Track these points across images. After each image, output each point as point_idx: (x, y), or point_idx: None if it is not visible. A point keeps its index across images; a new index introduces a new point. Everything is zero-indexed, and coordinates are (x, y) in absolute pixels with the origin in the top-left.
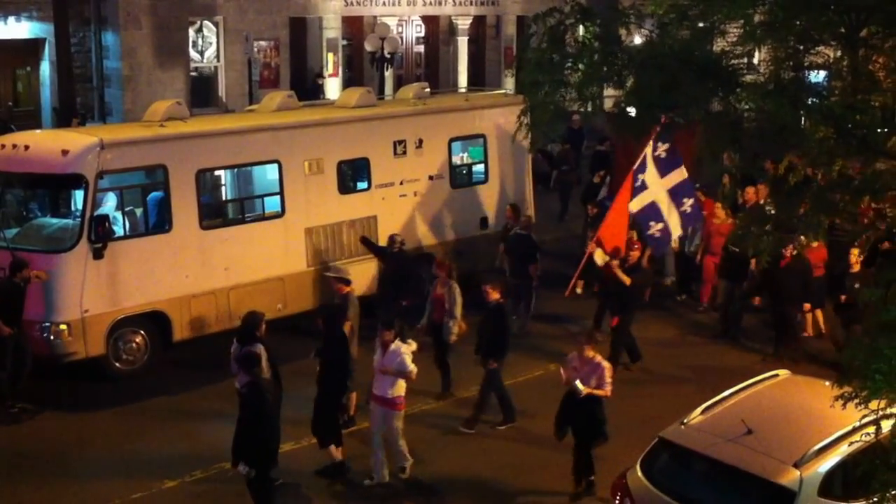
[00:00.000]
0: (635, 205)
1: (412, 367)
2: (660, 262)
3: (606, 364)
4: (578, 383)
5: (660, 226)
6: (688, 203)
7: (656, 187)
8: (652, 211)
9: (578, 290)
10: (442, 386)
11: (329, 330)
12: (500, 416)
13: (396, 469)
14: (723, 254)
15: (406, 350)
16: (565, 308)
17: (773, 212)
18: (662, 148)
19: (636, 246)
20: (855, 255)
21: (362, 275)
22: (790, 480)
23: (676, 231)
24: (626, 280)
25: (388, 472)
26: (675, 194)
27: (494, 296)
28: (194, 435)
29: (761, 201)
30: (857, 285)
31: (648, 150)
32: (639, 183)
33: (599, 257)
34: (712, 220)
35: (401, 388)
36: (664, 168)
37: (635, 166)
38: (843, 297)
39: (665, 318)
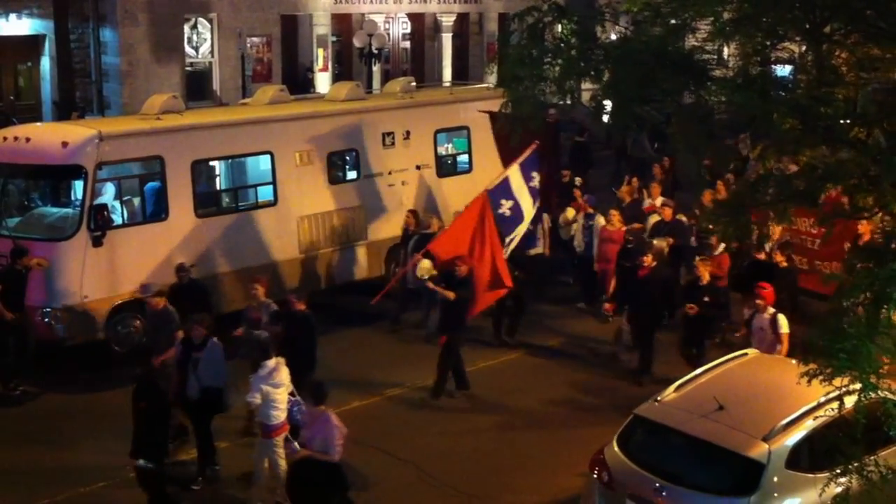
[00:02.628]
0: (513, 238)
1: (255, 400)
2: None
3: (339, 424)
4: (297, 444)
5: (538, 249)
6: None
7: (527, 220)
8: (529, 240)
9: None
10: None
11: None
12: None
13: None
14: (616, 266)
15: (268, 372)
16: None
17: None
18: (537, 179)
19: (464, 260)
20: (705, 268)
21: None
22: (759, 453)
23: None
24: (450, 295)
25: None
26: (534, 221)
27: (300, 307)
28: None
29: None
30: (706, 298)
31: (515, 174)
32: (506, 212)
33: (424, 270)
34: (606, 226)
35: (278, 414)
36: (535, 197)
37: (491, 187)
38: (690, 308)
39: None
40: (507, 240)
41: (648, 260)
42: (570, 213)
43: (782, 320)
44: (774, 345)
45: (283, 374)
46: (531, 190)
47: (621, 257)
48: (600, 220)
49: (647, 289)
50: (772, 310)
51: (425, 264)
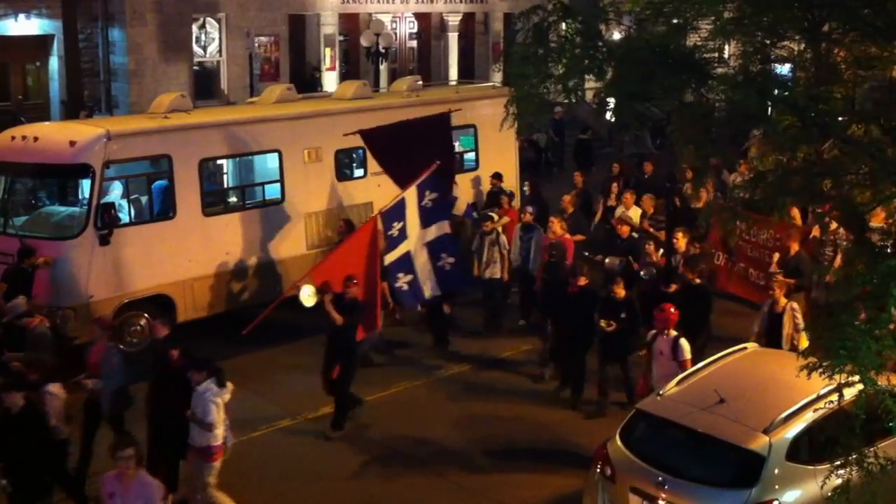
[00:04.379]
0: (389, 257)
1: (214, 419)
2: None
3: (157, 483)
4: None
5: (408, 278)
6: (447, 260)
7: (415, 238)
8: (405, 261)
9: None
10: None
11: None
12: None
13: None
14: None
15: (218, 396)
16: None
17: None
18: (430, 197)
19: (355, 281)
20: (620, 287)
21: None
22: (760, 446)
23: (428, 289)
24: (339, 319)
25: None
26: (434, 249)
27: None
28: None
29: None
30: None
31: (411, 195)
32: (395, 233)
33: (309, 297)
34: (548, 236)
35: (215, 435)
36: (428, 219)
37: (386, 209)
38: (608, 325)
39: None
40: (387, 258)
41: (583, 281)
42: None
43: (684, 345)
44: (675, 371)
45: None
46: (422, 210)
47: (544, 271)
48: (542, 231)
49: (578, 307)
50: (674, 333)
51: (308, 290)
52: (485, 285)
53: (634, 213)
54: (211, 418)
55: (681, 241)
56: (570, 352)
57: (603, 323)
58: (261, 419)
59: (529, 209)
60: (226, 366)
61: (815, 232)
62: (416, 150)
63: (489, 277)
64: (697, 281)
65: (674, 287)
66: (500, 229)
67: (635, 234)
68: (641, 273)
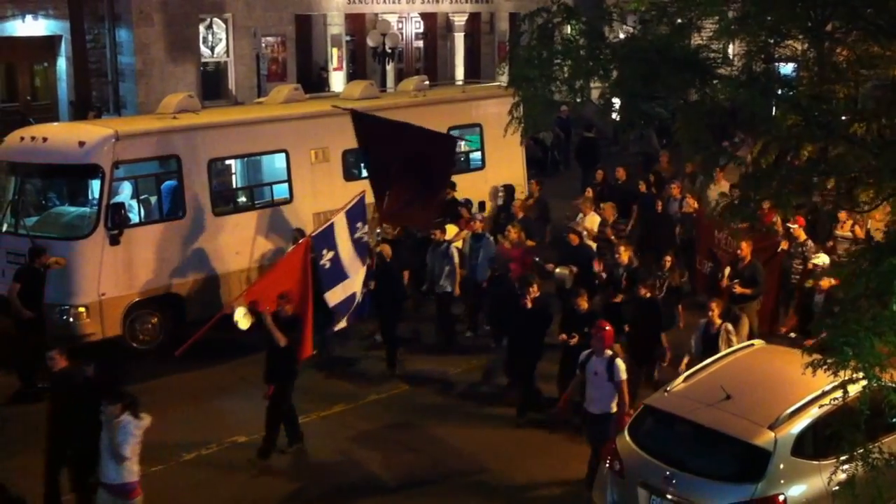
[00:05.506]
0: (333, 297)
1: (131, 452)
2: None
3: None
4: None
5: (343, 318)
6: (362, 291)
7: (359, 280)
8: (347, 305)
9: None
10: None
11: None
12: None
13: None
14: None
15: (137, 428)
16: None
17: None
18: (363, 230)
19: (289, 299)
20: (583, 298)
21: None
22: (766, 441)
23: (340, 323)
24: (282, 339)
25: None
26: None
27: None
28: (207, 409)
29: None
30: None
31: (340, 224)
32: (326, 263)
33: (244, 319)
34: (503, 242)
35: (132, 471)
36: (362, 254)
37: (316, 233)
38: (571, 338)
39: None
40: (326, 296)
41: (535, 292)
42: (451, 230)
43: (620, 365)
44: (611, 392)
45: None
46: (356, 244)
47: (490, 283)
48: (491, 240)
49: (531, 321)
50: (609, 352)
51: (241, 312)
52: (436, 300)
53: (593, 221)
54: (128, 452)
55: (623, 254)
56: (523, 366)
57: (565, 336)
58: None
59: (479, 217)
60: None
61: (784, 245)
62: (408, 159)
63: (440, 292)
64: (647, 295)
65: (620, 298)
66: (459, 244)
67: (591, 243)
68: (554, 276)
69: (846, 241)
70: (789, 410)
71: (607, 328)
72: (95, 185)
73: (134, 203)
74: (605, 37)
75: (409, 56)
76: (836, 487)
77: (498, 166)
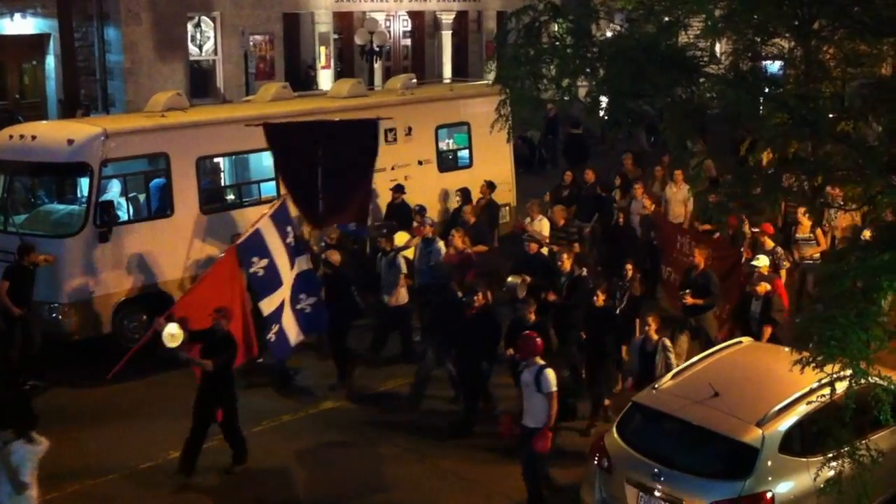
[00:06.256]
0: (267, 305)
1: (30, 479)
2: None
3: None
4: None
5: (276, 328)
6: (307, 301)
7: (288, 286)
8: (277, 313)
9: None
10: None
11: None
12: None
13: None
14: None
15: (34, 454)
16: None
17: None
18: (293, 234)
19: (224, 313)
20: (530, 308)
21: None
22: (753, 438)
23: (293, 336)
24: (209, 364)
25: None
26: (294, 290)
27: None
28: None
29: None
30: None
31: (267, 228)
32: (259, 271)
33: (170, 337)
34: (449, 251)
35: (31, 497)
36: (293, 258)
37: (241, 242)
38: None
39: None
40: (264, 304)
41: (480, 301)
42: (401, 238)
43: (549, 376)
44: (541, 404)
45: None
46: (288, 248)
47: (430, 292)
48: (440, 246)
49: (476, 331)
50: (540, 362)
51: (171, 329)
52: (386, 311)
53: (543, 226)
54: (27, 478)
55: (566, 261)
56: (466, 378)
57: (511, 350)
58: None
59: (430, 222)
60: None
61: (747, 254)
62: (330, 158)
63: (393, 305)
64: (601, 303)
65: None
66: (410, 252)
67: (543, 250)
68: (506, 286)
69: (806, 243)
70: (777, 407)
71: (536, 337)
72: (84, 182)
73: (122, 201)
74: (592, 35)
75: (397, 54)
76: (824, 484)
77: (486, 164)
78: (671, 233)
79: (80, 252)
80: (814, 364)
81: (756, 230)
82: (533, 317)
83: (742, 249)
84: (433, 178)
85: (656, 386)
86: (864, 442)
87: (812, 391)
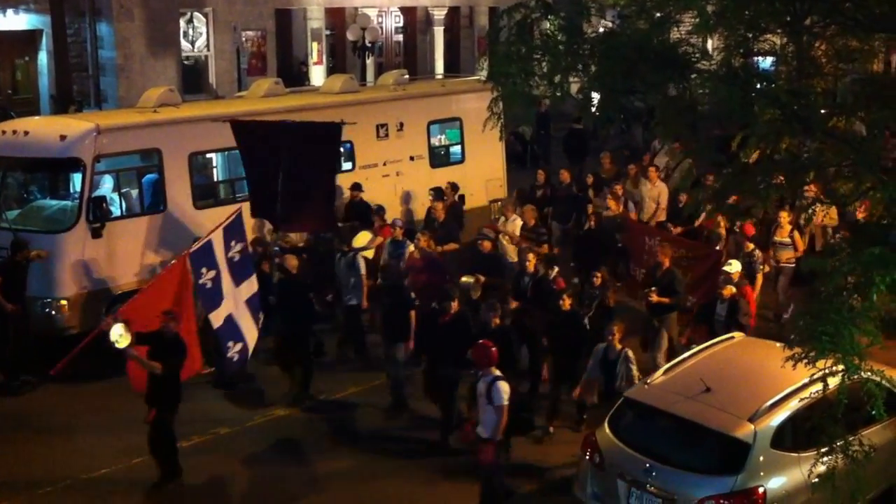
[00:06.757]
0: (216, 317)
1: None
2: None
3: None
4: None
5: (239, 346)
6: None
7: (234, 298)
8: (231, 328)
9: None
10: None
11: None
12: None
13: None
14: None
15: None
16: None
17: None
18: (236, 249)
19: (173, 316)
20: (496, 314)
21: None
22: (745, 434)
23: (250, 350)
24: (157, 367)
25: None
26: (254, 308)
27: None
28: (189, 402)
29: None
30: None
31: (218, 240)
32: (207, 283)
33: (121, 337)
34: (412, 252)
35: None
36: (239, 275)
37: (194, 250)
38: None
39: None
40: (211, 317)
41: (454, 306)
42: (363, 237)
43: (502, 388)
44: (492, 417)
45: None
46: (229, 263)
47: (382, 293)
48: (411, 247)
49: (450, 338)
50: (495, 372)
51: (119, 329)
52: (343, 313)
53: (516, 226)
54: None
55: (530, 262)
56: (439, 385)
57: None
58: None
59: (398, 223)
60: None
61: (727, 255)
62: (292, 157)
63: (348, 305)
64: (567, 306)
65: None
66: (370, 253)
67: (511, 248)
68: (459, 285)
69: (784, 247)
70: (769, 403)
71: (490, 347)
72: (77, 178)
73: (115, 196)
74: (584, 32)
75: (389, 50)
76: (816, 480)
77: (478, 160)
78: (639, 234)
79: (72, 248)
80: (806, 359)
81: (736, 231)
82: (497, 321)
83: (718, 249)
84: (425, 173)
85: (648, 381)
86: (856, 437)
87: (804, 386)
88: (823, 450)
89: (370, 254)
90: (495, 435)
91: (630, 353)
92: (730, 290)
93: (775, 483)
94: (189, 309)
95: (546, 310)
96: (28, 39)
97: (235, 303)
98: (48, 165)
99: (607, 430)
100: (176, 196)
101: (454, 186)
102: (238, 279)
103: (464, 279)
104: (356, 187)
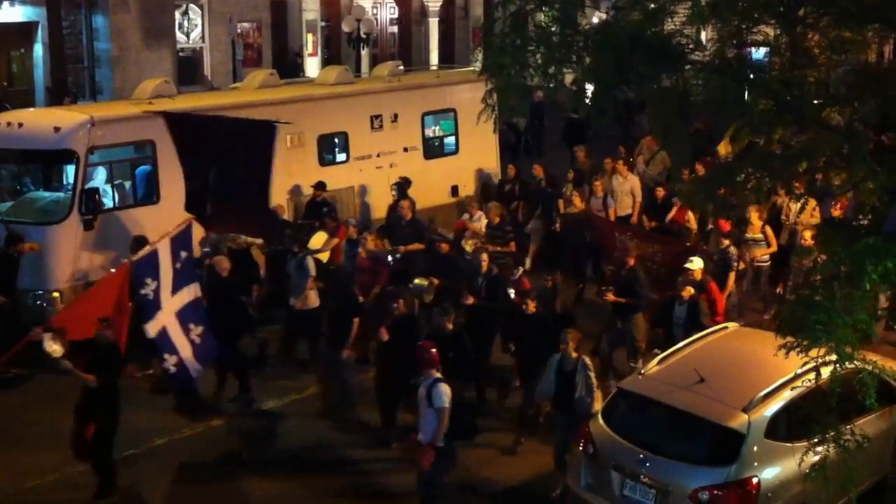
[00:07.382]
0: (152, 328)
1: None
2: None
3: None
4: None
5: (174, 359)
6: (195, 332)
7: (168, 308)
8: (165, 341)
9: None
10: None
11: None
12: None
13: None
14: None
15: None
16: None
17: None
18: (183, 258)
19: (108, 323)
20: (449, 320)
21: None
22: (739, 424)
23: (194, 369)
24: (91, 379)
25: None
26: (183, 319)
27: None
28: (181, 395)
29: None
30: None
31: (164, 250)
32: (149, 294)
33: (56, 347)
34: (360, 251)
35: None
36: (178, 283)
37: (138, 258)
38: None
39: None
40: (149, 327)
41: (402, 307)
42: (319, 239)
43: (442, 390)
44: (431, 420)
45: None
46: (175, 273)
47: (327, 299)
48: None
49: (394, 340)
50: (436, 375)
51: (48, 339)
52: (297, 316)
53: (482, 224)
54: None
55: (484, 262)
56: (390, 392)
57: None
58: None
59: (353, 222)
60: None
61: (702, 249)
62: (226, 156)
63: (300, 308)
64: (532, 309)
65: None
66: (326, 255)
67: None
68: (411, 288)
69: (756, 244)
70: (763, 393)
71: (431, 348)
72: (70, 170)
73: (108, 188)
74: (578, 24)
75: (384, 41)
76: (809, 469)
77: (472, 151)
78: (609, 231)
79: (65, 239)
80: (799, 349)
81: (711, 227)
82: (451, 326)
83: (689, 245)
84: (419, 165)
85: (642, 372)
86: (849, 427)
87: (797, 376)
88: (816, 440)
89: (325, 256)
90: (435, 439)
91: (587, 360)
92: (689, 291)
93: (769, 473)
94: (127, 315)
95: (500, 311)
96: (24, 31)
97: (169, 315)
98: (42, 157)
99: (601, 421)
100: (170, 188)
101: (407, 181)
102: (177, 287)
103: (417, 281)
104: (319, 186)
